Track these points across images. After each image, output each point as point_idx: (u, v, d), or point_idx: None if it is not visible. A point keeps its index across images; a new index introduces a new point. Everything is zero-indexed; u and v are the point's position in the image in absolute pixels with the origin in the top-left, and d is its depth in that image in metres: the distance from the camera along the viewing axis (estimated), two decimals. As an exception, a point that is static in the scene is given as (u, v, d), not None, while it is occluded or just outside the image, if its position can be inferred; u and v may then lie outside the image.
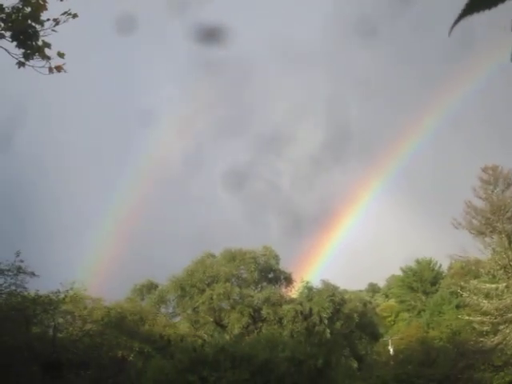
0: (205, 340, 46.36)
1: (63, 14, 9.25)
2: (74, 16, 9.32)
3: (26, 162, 71.94)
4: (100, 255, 61.44)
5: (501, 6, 2.12)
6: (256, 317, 50.37)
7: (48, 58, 9.30)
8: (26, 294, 32.74)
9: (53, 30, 9.18)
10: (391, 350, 61.25)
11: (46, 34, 9.15)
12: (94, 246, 64.58)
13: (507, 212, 46.82)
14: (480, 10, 2.12)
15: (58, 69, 9.44)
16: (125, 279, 57.27)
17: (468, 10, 2.11)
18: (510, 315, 46.07)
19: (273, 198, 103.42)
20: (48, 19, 9.16)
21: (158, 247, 76.83)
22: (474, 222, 47.85)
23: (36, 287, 33.45)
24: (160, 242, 79.77)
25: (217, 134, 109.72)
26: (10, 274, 31.74)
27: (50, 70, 9.38)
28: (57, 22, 9.22)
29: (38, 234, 67.60)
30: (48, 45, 9.24)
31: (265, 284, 53.59)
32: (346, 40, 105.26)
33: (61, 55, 9.43)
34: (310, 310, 50.81)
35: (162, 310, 53.20)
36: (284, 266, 55.85)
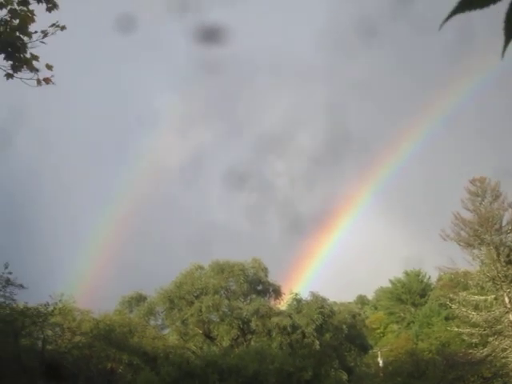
0: (194, 352, 46.30)
1: (51, 25, 9.26)
2: (62, 28, 9.32)
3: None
4: (89, 267, 61.29)
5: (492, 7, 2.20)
6: (245, 329, 50.21)
7: (36, 70, 9.30)
8: (14, 306, 32.76)
9: (41, 42, 9.20)
10: (380, 362, 61.22)
11: (34, 46, 9.17)
12: (83, 257, 64.43)
13: (495, 224, 47.03)
14: (471, 9, 2.20)
15: (47, 81, 9.45)
16: (114, 291, 57.11)
17: (459, 9, 2.19)
18: (498, 327, 46.22)
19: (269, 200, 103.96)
20: (36, 31, 9.17)
21: (148, 257, 76.80)
22: (463, 233, 48.06)
23: (25, 299, 33.45)
24: (151, 251, 79.85)
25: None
26: (-2, 286, 31.78)
27: (38, 82, 9.39)
28: (45, 34, 9.22)
29: (27, 246, 67.52)
30: (36, 57, 9.25)
31: (254, 296, 53.33)
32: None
33: (49, 67, 9.45)
34: (297, 322, 50.75)
35: (151, 322, 52.96)
36: (273, 278, 55.86)
